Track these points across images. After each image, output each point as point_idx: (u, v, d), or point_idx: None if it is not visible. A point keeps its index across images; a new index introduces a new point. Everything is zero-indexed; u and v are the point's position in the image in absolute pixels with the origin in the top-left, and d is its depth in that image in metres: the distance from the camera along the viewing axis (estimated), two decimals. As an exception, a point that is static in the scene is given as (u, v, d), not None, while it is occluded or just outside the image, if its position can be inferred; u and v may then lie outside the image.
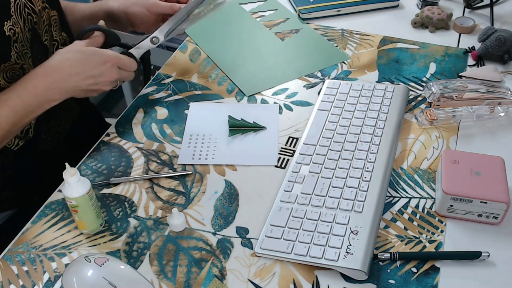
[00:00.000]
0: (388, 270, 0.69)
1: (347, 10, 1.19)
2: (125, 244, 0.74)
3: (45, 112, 0.84)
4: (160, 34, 0.91)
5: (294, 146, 0.87)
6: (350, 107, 0.92)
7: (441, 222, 0.75)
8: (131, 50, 0.89)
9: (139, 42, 0.90)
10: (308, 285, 0.68)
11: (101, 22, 0.88)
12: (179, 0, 1.00)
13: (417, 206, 0.77)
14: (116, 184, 0.82)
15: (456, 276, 0.69)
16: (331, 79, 1.00)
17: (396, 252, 0.70)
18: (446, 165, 0.76)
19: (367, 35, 1.12)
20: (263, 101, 0.96)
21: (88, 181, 0.71)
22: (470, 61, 1.04)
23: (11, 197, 0.95)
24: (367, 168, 0.80)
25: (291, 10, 1.21)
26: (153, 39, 0.91)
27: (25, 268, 0.71)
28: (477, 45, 1.05)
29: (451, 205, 0.73)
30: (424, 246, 0.72)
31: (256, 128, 0.91)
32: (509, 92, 0.89)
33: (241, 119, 0.92)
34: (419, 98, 0.96)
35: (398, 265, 0.70)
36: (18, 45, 0.81)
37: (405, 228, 0.74)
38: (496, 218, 0.73)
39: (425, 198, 0.78)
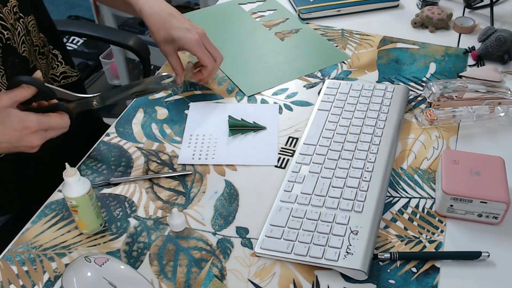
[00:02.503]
0: (388, 270, 0.69)
1: (347, 10, 1.19)
2: (125, 244, 0.74)
3: None
4: (101, 101, 0.81)
5: (294, 146, 0.87)
6: (350, 107, 0.92)
7: (441, 222, 0.75)
8: (68, 104, 0.79)
9: (78, 100, 0.79)
10: (308, 285, 0.68)
11: (38, 74, 0.77)
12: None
13: (417, 206, 0.77)
14: (116, 184, 0.82)
15: (456, 276, 0.69)
16: (331, 79, 1.00)
17: (396, 252, 0.70)
18: (446, 165, 0.76)
19: (367, 35, 1.12)
20: (263, 101, 0.96)
21: (88, 181, 0.71)
22: (470, 61, 1.04)
23: (4, 204, 0.95)
24: (367, 168, 0.80)
25: (291, 10, 1.21)
26: (94, 103, 0.81)
27: (25, 268, 0.71)
28: (477, 45, 1.05)
29: (451, 205, 0.73)
30: (424, 246, 0.72)
31: (256, 128, 0.91)
32: (509, 92, 0.89)
33: (241, 119, 0.92)
34: (419, 98, 0.96)
35: (398, 265, 0.70)
36: None
37: (405, 228, 0.74)
38: (496, 218, 0.73)
39: (425, 198, 0.78)
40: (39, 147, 0.76)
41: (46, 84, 0.76)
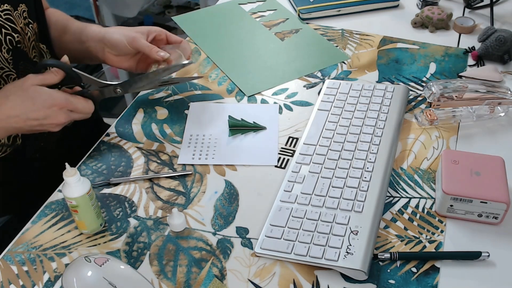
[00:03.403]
0: (388, 270, 0.69)
1: (347, 10, 1.19)
2: (125, 244, 0.74)
3: None
4: (124, 88, 0.85)
5: (294, 146, 0.87)
6: (350, 107, 0.92)
7: (441, 222, 0.75)
8: (92, 91, 0.83)
9: (103, 87, 0.84)
10: (308, 285, 0.68)
11: (65, 58, 0.80)
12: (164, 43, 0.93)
13: (417, 206, 0.77)
14: (116, 184, 0.82)
15: (456, 276, 0.69)
16: (331, 79, 1.00)
17: (396, 252, 0.70)
18: (446, 165, 0.76)
19: (367, 35, 1.12)
20: (263, 101, 0.96)
21: (88, 181, 0.71)
22: (470, 61, 1.04)
23: (4, 204, 0.95)
24: (367, 168, 0.80)
25: (291, 10, 1.21)
26: (117, 90, 0.84)
27: (25, 268, 0.71)
28: (477, 45, 1.05)
29: (451, 205, 0.73)
30: (424, 246, 0.72)
31: (256, 128, 0.91)
32: (509, 92, 0.89)
33: (241, 119, 0.92)
34: (419, 98, 0.96)
35: (398, 265, 0.70)
36: None
37: (405, 228, 0.74)
38: (496, 218, 0.73)
39: (425, 198, 0.78)
40: (63, 125, 0.79)
41: (73, 68, 0.79)
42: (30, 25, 0.86)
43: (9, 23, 0.81)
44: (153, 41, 0.91)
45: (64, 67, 0.78)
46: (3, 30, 0.80)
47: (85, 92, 0.82)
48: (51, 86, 0.78)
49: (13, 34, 0.82)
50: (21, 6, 0.84)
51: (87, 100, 0.81)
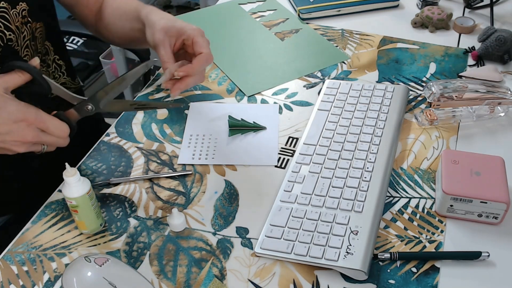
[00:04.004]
0: (388, 270, 0.69)
1: (347, 10, 1.19)
2: (125, 244, 0.74)
3: None
4: (94, 103, 0.75)
5: (294, 146, 0.87)
6: (350, 107, 0.92)
7: (441, 222, 0.75)
8: (67, 112, 0.74)
9: (77, 105, 0.75)
10: (308, 285, 0.68)
11: (35, 61, 0.72)
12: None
13: (417, 206, 0.77)
14: (116, 184, 0.82)
15: (456, 276, 0.69)
16: (331, 79, 1.00)
17: (396, 252, 0.70)
18: (446, 165, 0.76)
19: (367, 35, 1.12)
20: (263, 101, 0.96)
21: (88, 181, 0.71)
22: (470, 61, 1.04)
23: (4, 204, 0.94)
24: (367, 168, 0.80)
25: (291, 10, 1.21)
26: (89, 107, 0.75)
27: (25, 268, 0.71)
28: (477, 45, 1.05)
29: (451, 205, 0.73)
30: (424, 246, 0.72)
31: (256, 128, 0.91)
32: (509, 92, 0.89)
33: (241, 119, 0.92)
34: (419, 98, 0.96)
35: (398, 265, 0.70)
36: None
37: (405, 228, 0.74)
38: (496, 218, 0.73)
39: (425, 198, 0.78)
40: (29, 145, 0.70)
41: (43, 76, 0.71)
42: (28, 25, 0.85)
43: (3, 21, 0.80)
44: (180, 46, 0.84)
45: (32, 71, 0.70)
46: None
47: (60, 114, 0.73)
48: (21, 97, 0.71)
49: (5, 31, 0.81)
50: (21, 5, 0.84)
51: (61, 122, 0.71)
